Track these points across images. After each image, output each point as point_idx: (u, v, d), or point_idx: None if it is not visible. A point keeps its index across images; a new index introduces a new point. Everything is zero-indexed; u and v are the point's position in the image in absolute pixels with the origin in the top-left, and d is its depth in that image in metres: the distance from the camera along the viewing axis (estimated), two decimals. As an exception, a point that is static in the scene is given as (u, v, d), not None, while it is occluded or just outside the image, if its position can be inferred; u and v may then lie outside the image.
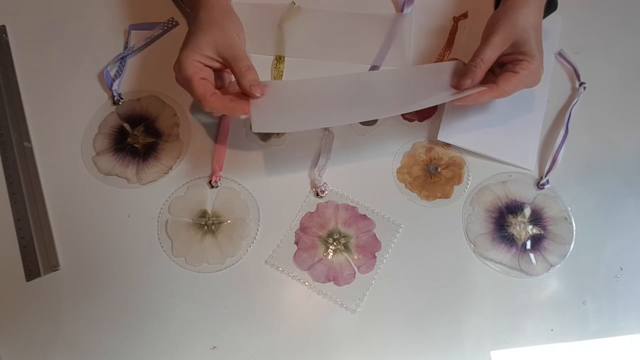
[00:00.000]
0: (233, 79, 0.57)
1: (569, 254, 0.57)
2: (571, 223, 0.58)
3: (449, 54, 0.67)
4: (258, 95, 0.55)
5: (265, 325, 0.56)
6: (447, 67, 0.59)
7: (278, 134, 0.63)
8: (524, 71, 0.54)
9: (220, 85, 0.58)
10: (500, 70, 0.57)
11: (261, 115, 0.55)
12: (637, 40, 0.67)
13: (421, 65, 0.65)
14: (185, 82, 0.55)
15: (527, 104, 0.63)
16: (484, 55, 0.55)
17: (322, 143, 0.62)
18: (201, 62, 0.55)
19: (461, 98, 0.55)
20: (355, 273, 0.57)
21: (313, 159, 0.62)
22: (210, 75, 0.56)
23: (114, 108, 0.65)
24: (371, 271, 0.57)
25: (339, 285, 0.57)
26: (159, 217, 0.60)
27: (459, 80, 0.56)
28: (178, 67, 0.55)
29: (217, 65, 0.56)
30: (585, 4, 0.69)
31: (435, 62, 0.66)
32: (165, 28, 0.69)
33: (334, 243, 0.58)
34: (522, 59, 0.54)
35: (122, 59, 0.67)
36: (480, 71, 0.55)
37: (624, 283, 0.56)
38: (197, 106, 0.65)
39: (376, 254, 0.58)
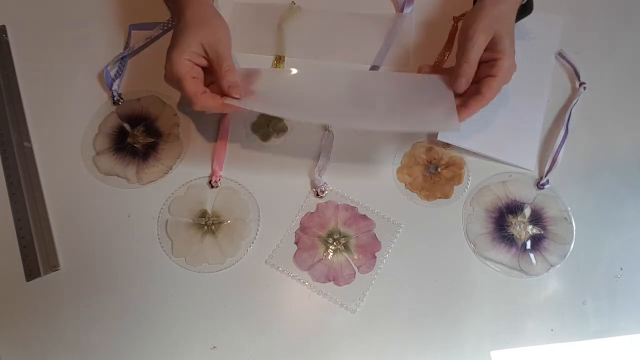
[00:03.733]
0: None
1: (569, 254, 0.57)
2: (571, 223, 0.58)
3: (448, 54, 0.67)
4: (237, 97, 0.55)
5: (265, 325, 0.56)
6: (442, 81, 0.58)
7: (278, 133, 0.63)
8: (500, 72, 0.54)
9: (210, 81, 0.58)
10: (477, 72, 0.57)
11: (249, 101, 0.56)
12: (637, 40, 0.67)
13: (420, 74, 0.63)
14: (176, 81, 0.55)
15: (527, 104, 0.63)
16: (470, 55, 0.55)
17: (322, 143, 0.62)
18: (191, 61, 0.56)
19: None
20: (355, 273, 0.57)
21: (313, 159, 0.62)
22: (200, 74, 0.57)
23: (114, 108, 0.65)
24: (371, 271, 0.57)
25: (339, 285, 0.57)
26: (159, 217, 0.60)
27: (453, 84, 0.56)
28: (170, 66, 0.55)
29: (204, 62, 0.57)
30: (585, 4, 0.69)
31: (435, 62, 0.66)
32: (165, 28, 0.69)
33: (334, 243, 0.58)
34: (496, 57, 0.55)
35: (122, 59, 0.67)
36: (471, 70, 0.55)
37: (624, 283, 0.56)
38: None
39: (376, 254, 0.58)
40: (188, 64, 0.55)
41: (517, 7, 0.58)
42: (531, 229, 0.58)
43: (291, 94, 0.58)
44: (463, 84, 0.55)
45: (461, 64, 0.55)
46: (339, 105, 0.58)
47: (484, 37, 0.55)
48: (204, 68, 0.58)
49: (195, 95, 0.54)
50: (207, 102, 0.55)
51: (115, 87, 0.65)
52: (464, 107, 0.55)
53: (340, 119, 0.58)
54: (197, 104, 0.55)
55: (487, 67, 0.55)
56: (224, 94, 0.56)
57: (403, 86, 0.59)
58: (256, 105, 0.56)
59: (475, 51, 0.55)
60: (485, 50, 0.55)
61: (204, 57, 0.57)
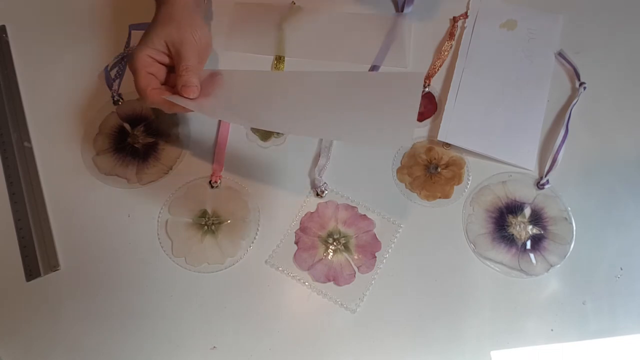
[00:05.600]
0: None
1: (569, 254, 0.57)
2: (571, 223, 0.58)
3: (447, 54, 0.67)
4: (191, 97, 0.54)
5: (265, 325, 0.56)
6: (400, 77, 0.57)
7: (278, 133, 0.63)
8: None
9: (174, 80, 0.57)
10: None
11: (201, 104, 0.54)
12: (637, 40, 0.67)
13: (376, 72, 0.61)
14: (133, 74, 0.55)
15: (527, 104, 0.63)
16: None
17: (322, 143, 0.62)
18: (152, 57, 0.56)
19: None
20: (355, 273, 0.57)
21: (313, 159, 0.62)
22: (160, 71, 0.57)
23: (114, 108, 0.65)
24: (371, 271, 0.57)
25: (339, 285, 0.57)
26: (159, 217, 0.60)
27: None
28: (129, 60, 0.56)
29: (167, 60, 0.57)
30: (586, 4, 0.69)
31: (433, 62, 0.66)
32: (165, 28, 0.69)
33: (334, 243, 0.58)
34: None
35: (122, 59, 0.67)
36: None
37: (624, 283, 0.56)
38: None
39: (376, 254, 0.58)
40: (147, 59, 0.55)
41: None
42: (531, 229, 0.58)
43: (249, 97, 0.56)
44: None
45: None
46: (297, 111, 0.54)
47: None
48: (171, 67, 0.57)
49: (144, 89, 0.54)
50: (155, 97, 0.54)
51: (115, 87, 0.66)
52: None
53: (295, 127, 0.54)
54: (147, 99, 0.54)
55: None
56: (178, 93, 0.55)
57: (366, 89, 0.54)
58: (200, 108, 0.54)
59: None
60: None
61: (168, 55, 0.56)
